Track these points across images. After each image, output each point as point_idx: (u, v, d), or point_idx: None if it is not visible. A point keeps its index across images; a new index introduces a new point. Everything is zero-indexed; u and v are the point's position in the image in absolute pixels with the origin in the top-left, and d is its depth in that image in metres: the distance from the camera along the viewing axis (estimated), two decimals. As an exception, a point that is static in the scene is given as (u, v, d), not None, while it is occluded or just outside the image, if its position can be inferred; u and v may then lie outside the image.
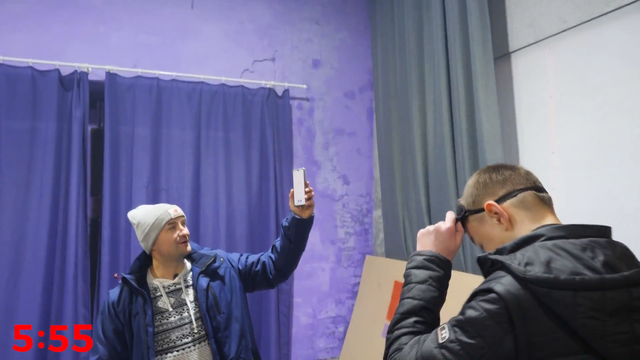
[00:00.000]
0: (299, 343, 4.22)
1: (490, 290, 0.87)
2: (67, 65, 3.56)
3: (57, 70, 3.53)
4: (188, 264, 1.83)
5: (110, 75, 3.65)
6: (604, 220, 2.44)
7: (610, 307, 0.80)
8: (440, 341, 0.90)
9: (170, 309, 1.70)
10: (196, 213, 3.84)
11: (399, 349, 1.00)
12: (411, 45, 3.77)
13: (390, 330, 1.09)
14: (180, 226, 1.75)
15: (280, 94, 4.20)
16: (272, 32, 4.31)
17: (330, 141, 4.48)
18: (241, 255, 1.97)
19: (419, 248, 1.16)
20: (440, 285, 1.08)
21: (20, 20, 3.55)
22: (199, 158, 3.90)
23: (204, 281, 1.75)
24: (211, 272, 1.79)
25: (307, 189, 1.77)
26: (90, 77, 3.63)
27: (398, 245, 4.07)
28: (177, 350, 1.65)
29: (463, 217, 1.12)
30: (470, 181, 1.12)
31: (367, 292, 4.23)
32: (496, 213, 1.03)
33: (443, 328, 0.93)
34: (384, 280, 4.01)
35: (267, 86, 4.14)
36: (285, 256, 1.86)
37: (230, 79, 4.04)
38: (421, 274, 1.08)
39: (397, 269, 3.91)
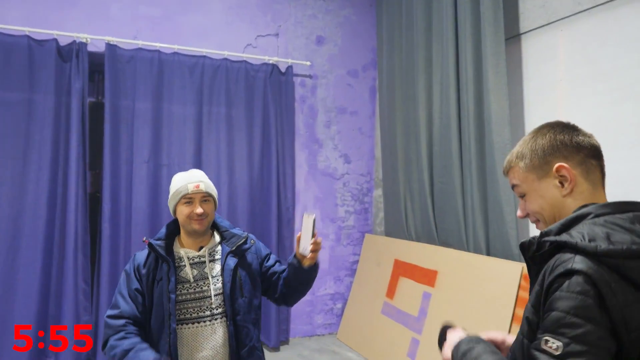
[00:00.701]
0: (298, 319, 4.26)
1: (571, 272, 0.84)
2: (65, 35, 3.45)
3: (55, 40, 3.42)
4: (217, 239, 1.78)
5: (111, 47, 3.55)
6: None
7: None
8: (558, 353, 0.82)
9: (192, 281, 1.68)
10: (197, 189, 3.80)
11: None
12: (419, 23, 3.72)
13: None
14: (198, 202, 1.68)
15: (283, 70, 4.13)
16: (276, 6, 4.22)
17: (332, 120, 4.45)
18: (271, 254, 1.90)
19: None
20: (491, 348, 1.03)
21: (16, -13, 3.42)
22: (201, 134, 3.84)
23: (232, 261, 1.71)
24: (240, 254, 1.75)
25: (313, 240, 1.65)
26: (89, 49, 3.52)
27: (398, 224, 4.09)
28: (193, 323, 1.65)
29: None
30: (541, 135, 1.06)
31: (366, 270, 4.26)
32: (562, 176, 1.00)
33: (546, 341, 0.84)
34: (383, 258, 4.05)
35: (271, 62, 4.07)
36: (288, 290, 1.81)
37: (233, 54, 3.96)
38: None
39: (397, 247, 3.95)
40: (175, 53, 3.76)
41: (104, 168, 3.50)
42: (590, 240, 0.86)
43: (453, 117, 3.31)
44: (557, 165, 1.00)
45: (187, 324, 1.65)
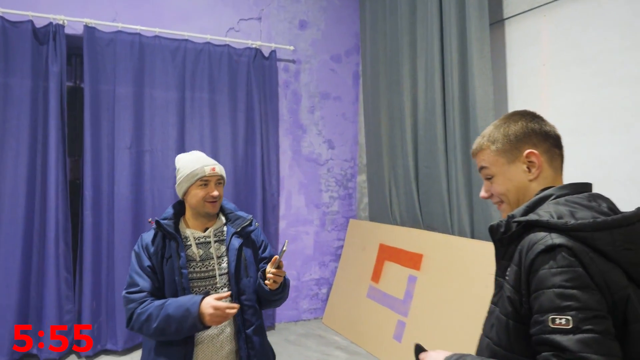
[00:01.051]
0: (284, 304, 4.26)
1: (553, 248, 0.89)
2: (41, 17, 3.33)
3: (31, 22, 3.29)
4: (222, 220, 1.80)
5: (89, 29, 3.44)
6: (594, 186, 2.55)
7: (636, 238, 0.92)
8: (570, 326, 0.84)
9: (198, 260, 1.69)
10: (181, 176, 3.76)
11: None
12: (403, 8, 3.72)
13: None
14: (213, 186, 1.69)
15: (266, 54, 4.08)
16: (258, -11, 4.15)
17: (316, 105, 4.43)
18: (268, 245, 1.89)
19: None
20: None
21: (-13, -35, 3.27)
22: (184, 119, 3.78)
23: (236, 242, 1.72)
24: (245, 235, 1.77)
25: (274, 269, 1.62)
26: (66, 31, 3.41)
27: (383, 209, 4.13)
28: None
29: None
30: (513, 122, 1.10)
31: (351, 255, 4.30)
32: (531, 162, 1.06)
33: (552, 320, 0.86)
34: (368, 243, 4.09)
35: (254, 46, 4.01)
36: (259, 295, 1.79)
37: (216, 38, 3.89)
38: None
39: (382, 232, 3.99)
40: (156, 36, 3.67)
41: (85, 154, 3.41)
42: (559, 218, 0.92)
43: (438, 102, 3.34)
44: (527, 151, 1.06)
45: None
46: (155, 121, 3.68)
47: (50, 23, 3.34)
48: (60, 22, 3.37)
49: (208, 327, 1.58)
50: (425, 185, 3.58)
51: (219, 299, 1.55)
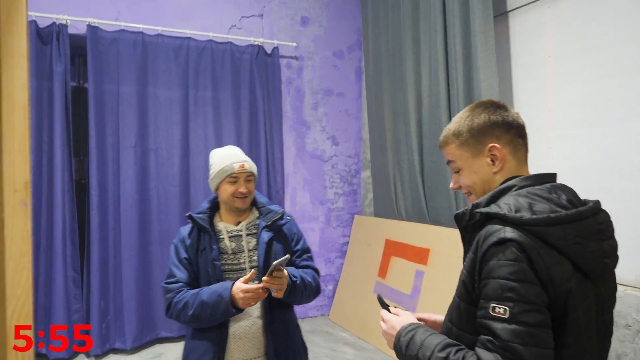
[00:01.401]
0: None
1: (504, 241, 0.93)
2: (44, 17, 3.33)
3: (34, 22, 3.30)
4: (255, 214, 1.84)
5: (92, 28, 3.44)
6: (600, 177, 2.56)
7: (587, 233, 0.97)
8: (507, 316, 0.90)
9: (230, 252, 1.75)
10: (186, 174, 3.76)
11: None
12: (405, 3, 3.70)
13: None
14: (242, 182, 1.73)
15: (269, 51, 4.08)
16: (259, -14, 4.14)
17: (319, 101, 4.43)
18: (301, 239, 1.88)
19: (392, 340, 1.14)
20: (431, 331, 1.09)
21: (-12, -34, 3.26)
22: (188, 117, 3.78)
23: (266, 235, 1.76)
24: (276, 229, 1.79)
25: (265, 278, 1.59)
26: (69, 31, 3.41)
27: (388, 205, 4.13)
28: None
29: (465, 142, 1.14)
30: (476, 114, 1.12)
31: (356, 251, 4.30)
32: (494, 155, 1.09)
33: (493, 308, 0.92)
34: (374, 239, 4.09)
35: (256, 43, 4.01)
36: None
37: (218, 35, 3.89)
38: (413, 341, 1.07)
39: (387, 227, 3.99)
40: (159, 35, 3.67)
41: (90, 154, 3.42)
42: (516, 211, 0.96)
43: (442, 96, 3.34)
44: (490, 145, 1.09)
45: None
46: (159, 120, 3.68)
47: (54, 23, 3.35)
48: (64, 22, 3.37)
49: (241, 311, 1.63)
50: (431, 180, 3.57)
51: (246, 281, 1.59)
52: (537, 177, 1.06)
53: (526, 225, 0.94)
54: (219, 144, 3.86)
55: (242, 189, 1.72)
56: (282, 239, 1.81)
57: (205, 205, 1.82)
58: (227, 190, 1.73)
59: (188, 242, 1.75)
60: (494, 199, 1.04)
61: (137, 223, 3.53)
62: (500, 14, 3.12)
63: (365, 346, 3.69)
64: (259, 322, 1.73)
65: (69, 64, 3.39)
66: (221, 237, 1.76)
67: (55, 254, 3.25)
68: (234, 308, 1.59)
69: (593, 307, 0.98)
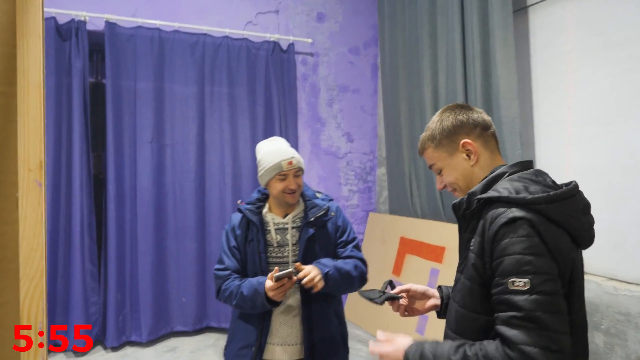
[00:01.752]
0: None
1: (514, 220, 1.00)
2: (63, 13, 3.38)
3: (54, 19, 3.35)
4: (302, 206, 1.86)
5: (110, 25, 3.48)
6: (618, 175, 2.49)
7: (577, 208, 1.07)
8: (527, 287, 0.96)
9: (275, 245, 1.79)
10: (202, 170, 3.79)
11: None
12: (422, -2, 3.67)
13: None
14: (292, 178, 1.75)
15: (284, 48, 4.08)
16: (275, -18, 4.15)
17: (335, 98, 4.41)
18: (347, 230, 1.89)
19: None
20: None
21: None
22: (203, 113, 3.80)
23: (309, 232, 1.78)
24: (320, 224, 1.81)
25: (271, 284, 1.63)
26: (88, 27, 3.45)
27: (403, 202, 4.10)
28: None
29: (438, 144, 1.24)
30: (445, 118, 1.23)
31: (371, 248, 4.28)
32: (468, 150, 1.19)
33: (512, 282, 0.98)
34: (389, 236, 4.06)
35: (272, 39, 4.01)
36: None
37: (234, 31, 3.90)
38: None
39: (402, 225, 3.96)
40: (175, 31, 3.70)
41: (108, 149, 3.46)
42: (517, 193, 1.04)
43: (460, 92, 3.29)
44: (462, 141, 1.19)
45: None
46: (175, 115, 3.71)
47: (73, 19, 3.39)
48: (82, 19, 3.41)
49: (278, 304, 1.70)
50: (446, 177, 3.53)
51: (271, 277, 1.61)
52: (521, 164, 1.16)
53: (530, 204, 1.02)
54: (234, 140, 3.88)
55: (292, 186, 1.75)
56: (325, 234, 1.83)
57: (254, 195, 1.86)
58: (277, 187, 1.75)
59: (238, 231, 1.81)
60: (488, 186, 1.12)
61: (153, 217, 3.57)
62: (520, 8, 3.07)
63: (379, 344, 3.67)
64: (298, 312, 1.79)
65: (88, 60, 3.44)
66: (268, 229, 1.80)
67: (73, 247, 3.30)
68: (269, 302, 1.65)
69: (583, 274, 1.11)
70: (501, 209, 1.03)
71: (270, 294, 1.62)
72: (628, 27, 2.45)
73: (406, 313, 1.50)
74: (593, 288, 2.45)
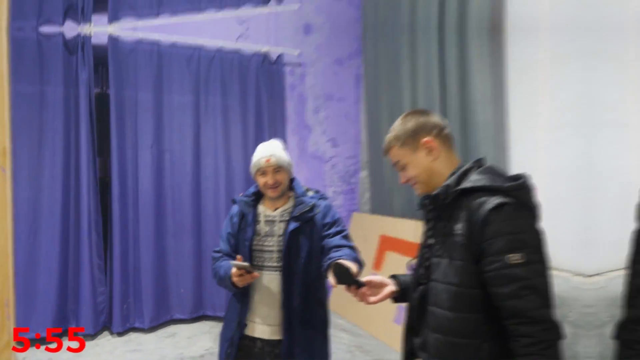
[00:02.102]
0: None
1: (501, 205, 1.17)
2: (69, 27, 3.67)
3: (62, 34, 3.65)
4: (292, 202, 1.99)
5: (113, 39, 3.79)
6: (586, 176, 2.40)
7: (534, 194, 1.24)
8: (524, 260, 1.13)
9: (262, 235, 1.96)
10: (197, 173, 4.12)
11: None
12: (403, 12, 3.92)
13: None
14: (271, 174, 1.90)
15: (273, 59, 4.39)
16: (266, -1, 4.46)
17: (321, 106, 4.75)
18: (335, 224, 1.96)
19: None
20: None
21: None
22: (199, 121, 4.13)
23: (293, 225, 1.91)
24: (305, 219, 1.93)
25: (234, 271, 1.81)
26: (92, 41, 3.74)
27: (384, 203, 4.42)
28: (263, 270, 1.94)
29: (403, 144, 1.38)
30: (408, 121, 1.38)
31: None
32: (428, 147, 1.33)
33: (509, 258, 1.14)
34: (370, 234, 4.38)
35: (262, 52, 4.32)
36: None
37: (227, 44, 4.19)
38: None
39: (382, 224, 4.28)
40: (173, 45, 4.01)
41: (112, 155, 3.78)
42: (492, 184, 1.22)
43: (436, 100, 3.54)
44: (423, 140, 1.34)
45: (260, 269, 1.93)
46: (173, 123, 4.04)
47: (79, 34, 3.69)
48: (87, 34, 3.71)
49: (241, 288, 1.86)
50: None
51: (236, 265, 1.77)
52: (479, 160, 1.34)
53: (510, 191, 1.19)
54: (228, 146, 4.21)
55: (270, 181, 1.90)
56: (308, 229, 1.95)
57: (251, 190, 2.04)
58: (260, 181, 1.95)
59: (235, 219, 2.01)
60: (460, 179, 1.27)
61: (153, 216, 3.91)
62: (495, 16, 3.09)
63: (360, 332, 3.98)
64: (279, 295, 1.90)
65: (93, 72, 3.74)
66: (259, 219, 1.99)
67: (82, 242, 3.63)
68: (233, 285, 1.83)
69: None
70: (484, 197, 1.18)
71: (234, 279, 1.79)
72: (600, 35, 2.40)
73: (371, 299, 1.55)
74: (561, 283, 2.45)
